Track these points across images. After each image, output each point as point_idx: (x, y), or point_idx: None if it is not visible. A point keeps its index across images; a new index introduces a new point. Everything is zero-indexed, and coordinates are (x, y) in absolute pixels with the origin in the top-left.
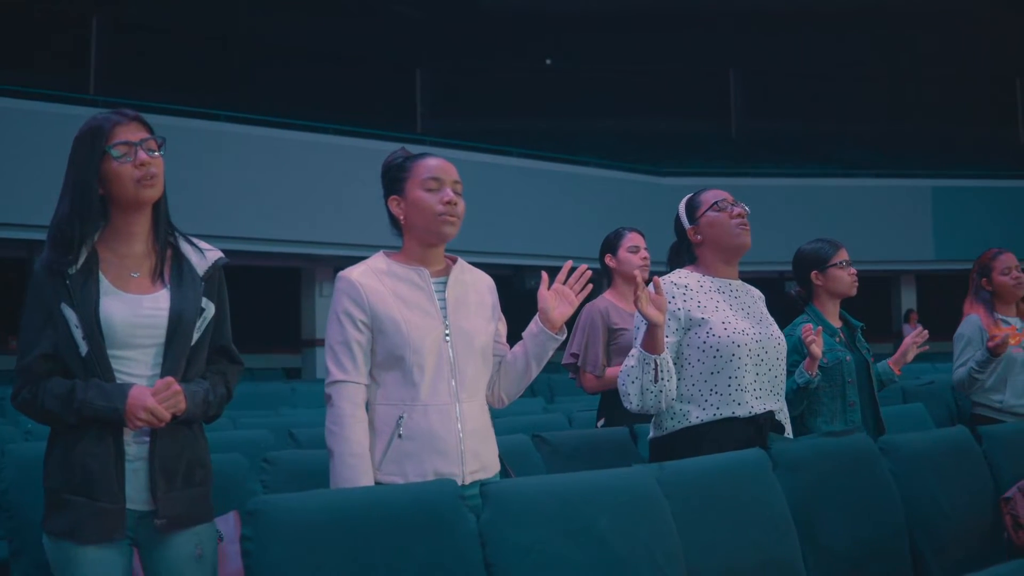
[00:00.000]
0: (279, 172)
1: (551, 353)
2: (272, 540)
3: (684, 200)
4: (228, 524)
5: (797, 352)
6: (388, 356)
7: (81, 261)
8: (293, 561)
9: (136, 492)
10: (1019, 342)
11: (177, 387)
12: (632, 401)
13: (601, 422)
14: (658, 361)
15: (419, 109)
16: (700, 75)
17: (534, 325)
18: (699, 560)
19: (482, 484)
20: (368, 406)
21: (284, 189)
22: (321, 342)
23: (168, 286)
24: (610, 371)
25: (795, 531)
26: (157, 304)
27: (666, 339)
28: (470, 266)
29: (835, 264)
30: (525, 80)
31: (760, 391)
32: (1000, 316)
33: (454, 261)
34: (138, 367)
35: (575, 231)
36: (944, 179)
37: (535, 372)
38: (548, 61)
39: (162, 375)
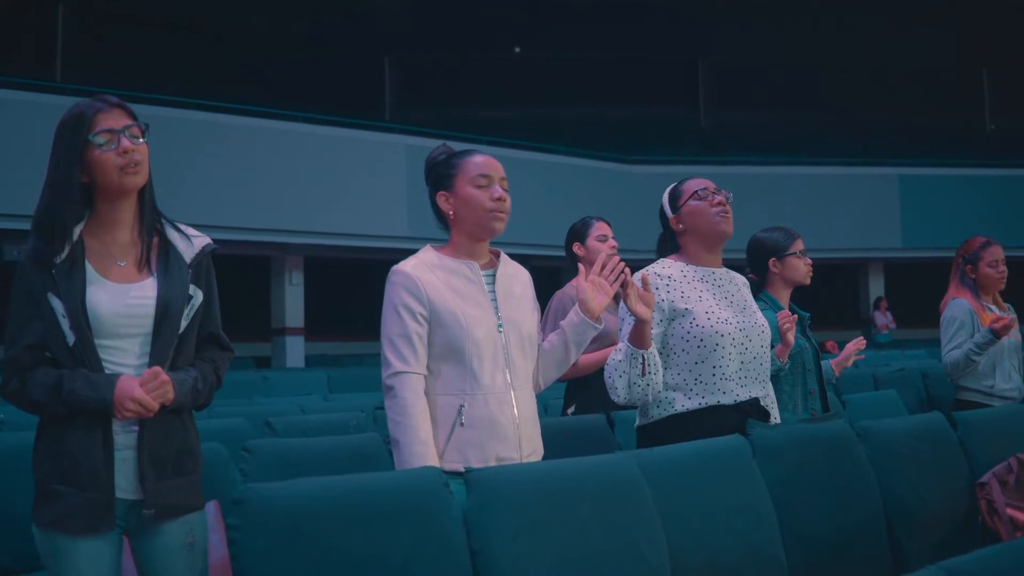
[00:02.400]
0: (248, 160)
1: (590, 340)
2: (258, 528)
3: (668, 189)
4: (208, 513)
5: None
6: (446, 347)
7: (67, 250)
8: (279, 549)
9: (126, 481)
10: None
11: (165, 377)
12: (620, 394)
13: (571, 409)
14: (645, 356)
15: (388, 98)
16: (669, 63)
17: (574, 315)
18: (680, 545)
19: (467, 472)
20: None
21: (253, 177)
22: (290, 331)
23: (155, 274)
24: (582, 358)
25: (775, 516)
26: (144, 293)
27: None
28: (511, 259)
29: (793, 253)
30: (494, 68)
31: (745, 379)
32: (982, 302)
33: (497, 255)
34: (126, 356)
35: (544, 218)
36: (911, 167)
37: (574, 357)
38: (517, 49)
39: (150, 364)
